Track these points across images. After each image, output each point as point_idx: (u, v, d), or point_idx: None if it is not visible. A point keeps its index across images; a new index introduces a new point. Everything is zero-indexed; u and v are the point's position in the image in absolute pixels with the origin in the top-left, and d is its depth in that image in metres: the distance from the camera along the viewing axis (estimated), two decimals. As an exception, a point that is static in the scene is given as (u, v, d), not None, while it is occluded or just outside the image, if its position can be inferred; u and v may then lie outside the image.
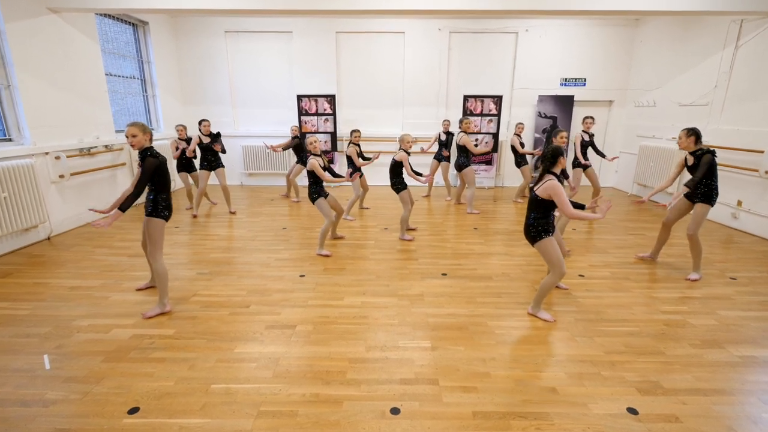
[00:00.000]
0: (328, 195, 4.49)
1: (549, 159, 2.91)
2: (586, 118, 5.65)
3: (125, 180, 6.31)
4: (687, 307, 3.35)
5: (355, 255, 4.47)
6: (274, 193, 7.57)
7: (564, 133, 4.21)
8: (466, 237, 5.09)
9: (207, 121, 5.81)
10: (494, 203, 6.95)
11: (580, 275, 3.96)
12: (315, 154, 4.35)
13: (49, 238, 4.91)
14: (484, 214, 6.17)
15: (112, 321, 3.05)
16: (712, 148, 3.76)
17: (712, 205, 3.77)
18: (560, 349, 2.74)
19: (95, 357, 2.62)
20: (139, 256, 4.34)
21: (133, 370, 2.49)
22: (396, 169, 4.80)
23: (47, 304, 3.31)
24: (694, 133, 3.68)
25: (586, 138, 5.67)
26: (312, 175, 4.32)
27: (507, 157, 8.24)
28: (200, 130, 5.77)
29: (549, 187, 2.83)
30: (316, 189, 4.37)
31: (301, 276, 3.90)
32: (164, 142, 7.15)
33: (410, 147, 4.73)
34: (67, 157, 5.12)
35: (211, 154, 5.84)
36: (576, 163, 5.64)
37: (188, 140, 5.93)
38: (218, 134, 5.89)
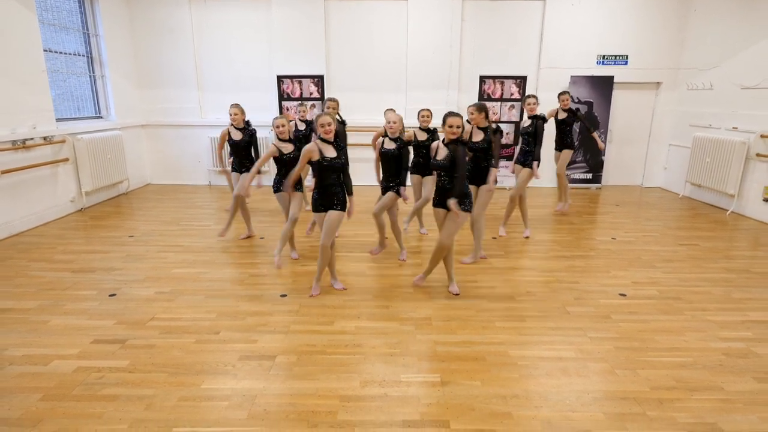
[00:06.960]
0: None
1: None
2: (561, 94, 6.05)
3: (68, 179, 6.36)
4: (750, 332, 3.39)
5: (348, 270, 4.50)
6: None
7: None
8: (483, 248, 5.12)
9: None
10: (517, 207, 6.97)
11: (621, 294, 4.01)
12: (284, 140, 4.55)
13: (-26, 250, 4.95)
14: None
15: (53, 351, 3.08)
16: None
17: None
18: (597, 384, 2.78)
19: (31, 394, 2.64)
20: (83, 272, 4.37)
21: (77, 411, 2.51)
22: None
23: (-28, 330, 3.34)
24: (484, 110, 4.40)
25: (563, 116, 6.10)
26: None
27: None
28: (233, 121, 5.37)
29: None
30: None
31: (283, 296, 3.94)
32: (116, 133, 7.20)
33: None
34: (-3, 151, 5.18)
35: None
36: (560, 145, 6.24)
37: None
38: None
